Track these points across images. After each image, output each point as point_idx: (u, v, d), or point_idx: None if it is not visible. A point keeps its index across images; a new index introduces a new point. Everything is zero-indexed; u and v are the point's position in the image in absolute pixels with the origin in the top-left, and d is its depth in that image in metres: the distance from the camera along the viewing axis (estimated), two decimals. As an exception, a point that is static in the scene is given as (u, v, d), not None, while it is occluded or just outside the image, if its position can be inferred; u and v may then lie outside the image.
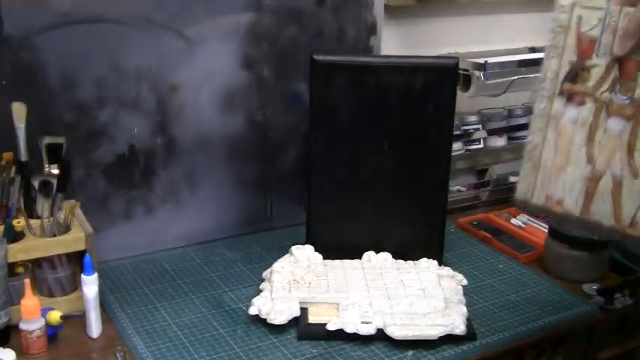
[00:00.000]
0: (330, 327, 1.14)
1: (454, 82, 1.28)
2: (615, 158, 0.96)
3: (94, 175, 1.35)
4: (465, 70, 1.56)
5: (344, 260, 1.33)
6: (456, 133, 1.61)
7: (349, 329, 1.14)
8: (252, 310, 1.18)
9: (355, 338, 1.14)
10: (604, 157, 0.97)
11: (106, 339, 1.15)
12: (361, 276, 1.28)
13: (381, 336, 1.14)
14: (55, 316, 1.11)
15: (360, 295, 1.21)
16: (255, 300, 1.20)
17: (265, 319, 1.16)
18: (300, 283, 1.24)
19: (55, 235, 1.18)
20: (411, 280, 1.27)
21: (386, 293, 1.22)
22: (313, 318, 1.17)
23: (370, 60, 1.30)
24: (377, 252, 1.35)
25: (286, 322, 1.16)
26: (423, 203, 1.35)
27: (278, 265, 1.29)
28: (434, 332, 1.13)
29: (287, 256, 1.33)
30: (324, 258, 1.33)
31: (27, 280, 1.08)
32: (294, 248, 1.34)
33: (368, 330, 1.14)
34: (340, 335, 1.14)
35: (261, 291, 1.25)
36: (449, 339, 1.15)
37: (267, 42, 1.44)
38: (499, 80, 1.58)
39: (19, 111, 1.17)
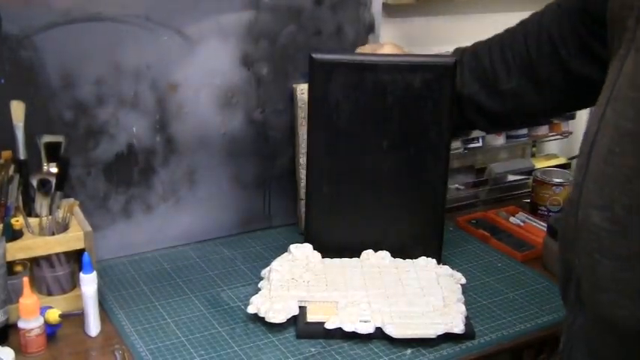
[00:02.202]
0: (329, 326, 1.14)
1: (453, 80, 1.28)
2: None
3: (93, 173, 1.35)
4: (463, 68, 1.56)
5: (342, 259, 1.33)
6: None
7: (348, 328, 1.14)
8: (251, 309, 1.19)
9: (354, 337, 1.14)
10: None
11: (105, 337, 1.15)
12: (360, 275, 1.28)
13: (379, 335, 1.14)
14: (53, 314, 1.11)
15: (358, 293, 1.21)
16: (253, 299, 1.21)
17: (264, 318, 1.16)
18: (299, 281, 1.24)
19: (53, 234, 1.18)
20: (409, 278, 1.27)
21: (384, 292, 1.22)
22: (312, 317, 1.17)
23: (369, 59, 1.30)
24: (376, 250, 1.35)
25: (285, 320, 1.16)
26: (421, 202, 1.35)
27: (276, 264, 1.29)
28: (432, 331, 1.13)
29: (286, 254, 1.33)
30: (323, 257, 1.33)
31: (25, 279, 1.08)
32: (292, 247, 1.34)
33: (366, 329, 1.14)
34: (339, 334, 1.14)
35: (259, 290, 1.26)
36: (448, 337, 1.15)
37: (266, 40, 1.44)
38: (498, 79, 1.58)
39: (17, 109, 1.17)
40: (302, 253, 1.32)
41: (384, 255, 1.34)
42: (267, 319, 1.16)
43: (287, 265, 1.29)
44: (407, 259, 1.34)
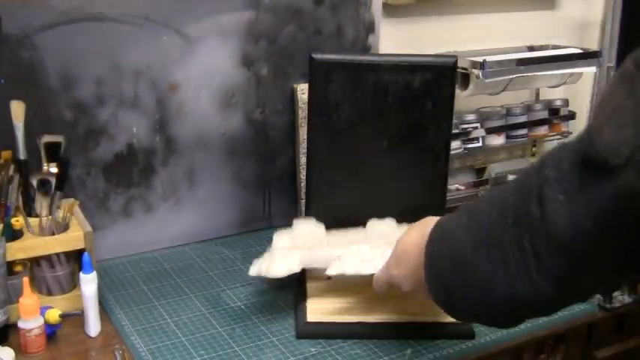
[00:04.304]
0: (331, 271, 1.11)
1: (452, 80, 1.28)
2: None
3: (93, 173, 1.35)
4: (463, 68, 1.56)
5: (347, 229, 1.27)
6: (454, 131, 1.61)
7: (350, 270, 1.11)
8: (253, 271, 1.16)
9: (354, 337, 1.15)
10: None
11: (105, 337, 1.15)
12: (364, 240, 1.23)
13: (379, 335, 1.14)
14: (53, 314, 1.11)
15: (361, 246, 1.18)
16: (255, 261, 1.18)
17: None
18: (301, 247, 1.21)
19: (53, 234, 1.18)
20: None
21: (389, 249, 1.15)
22: (312, 317, 1.17)
23: (369, 59, 1.30)
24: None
25: (285, 275, 1.14)
26: (421, 202, 1.34)
27: (278, 235, 1.24)
28: None
29: (288, 229, 1.27)
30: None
31: (26, 279, 1.08)
32: (296, 221, 1.28)
33: (368, 269, 1.10)
34: (339, 334, 1.14)
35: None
36: (448, 337, 1.15)
37: (266, 40, 1.44)
38: (498, 79, 1.58)
39: (17, 109, 1.18)
40: (305, 227, 1.26)
41: (390, 222, 1.28)
42: (267, 275, 1.13)
43: (289, 236, 1.24)
44: None
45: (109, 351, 1.11)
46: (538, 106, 1.81)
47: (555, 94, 1.87)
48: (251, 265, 1.18)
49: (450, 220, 0.89)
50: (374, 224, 1.29)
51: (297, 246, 1.22)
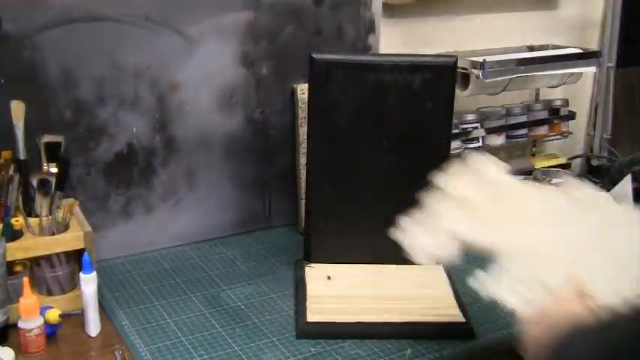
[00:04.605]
0: (473, 284, 0.87)
1: (453, 80, 1.28)
2: None
3: (93, 173, 1.35)
4: (463, 68, 1.56)
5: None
6: (454, 131, 1.61)
7: (496, 295, 0.86)
8: (402, 235, 0.97)
9: (354, 337, 1.14)
10: None
11: (105, 337, 1.15)
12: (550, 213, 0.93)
13: (380, 333, 1.14)
14: (53, 314, 1.11)
15: (535, 241, 0.88)
16: (408, 222, 0.98)
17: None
18: (464, 207, 0.96)
19: (53, 234, 1.18)
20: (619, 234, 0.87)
21: (574, 245, 0.86)
22: (312, 317, 1.17)
23: (369, 59, 1.30)
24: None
25: (427, 262, 0.95)
26: (421, 202, 1.34)
27: (451, 179, 1.00)
28: None
29: (466, 173, 1.00)
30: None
31: (26, 279, 1.08)
32: (482, 163, 0.99)
33: (513, 302, 0.84)
34: (339, 334, 1.14)
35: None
36: (447, 337, 1.15)
37: (266, 40, 1.44)
38: (497, 79, 1.59)
39: (17, 109, 1.17)
40: (484, 165, 1.00)
41: (587, 188, 0.97)
42: (408, 255, 0.96)
43: (459, 182, 0.99)
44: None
45: (109, 351, 1.11)
46: (538, 106, 1.81)
47: (555, 94, 1.87)
48: (398, 229, 0.99)
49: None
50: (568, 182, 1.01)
51: (464, 205, 0.96)
